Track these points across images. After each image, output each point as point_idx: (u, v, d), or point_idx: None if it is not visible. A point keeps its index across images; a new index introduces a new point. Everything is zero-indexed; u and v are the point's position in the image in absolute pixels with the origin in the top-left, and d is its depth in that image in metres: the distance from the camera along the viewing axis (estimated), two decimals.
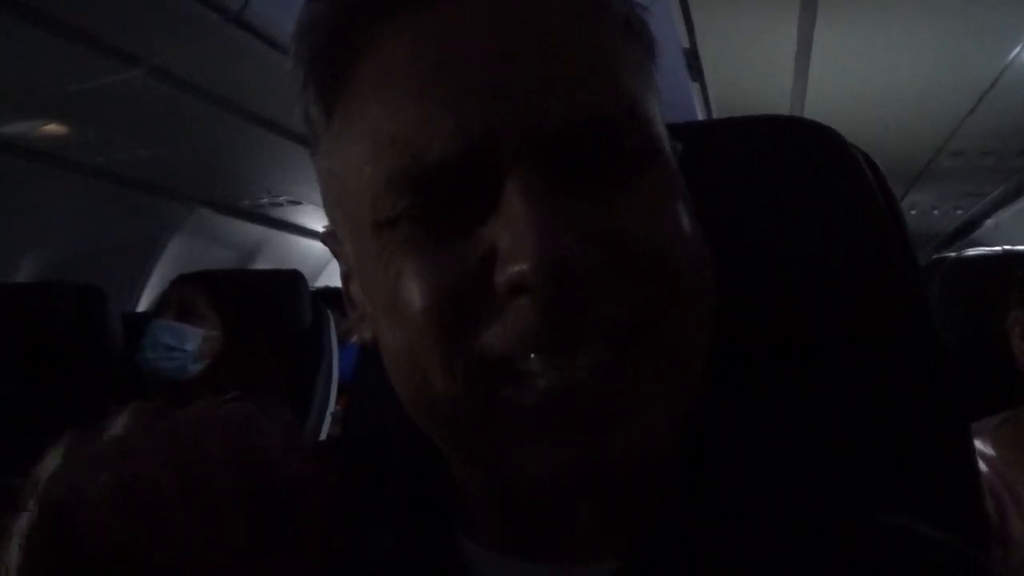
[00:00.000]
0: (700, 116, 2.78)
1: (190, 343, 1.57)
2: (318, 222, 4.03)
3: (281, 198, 3.51)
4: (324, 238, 0.43)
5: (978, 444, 1.10)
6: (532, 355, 0.31)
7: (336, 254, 0.42)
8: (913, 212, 4.04)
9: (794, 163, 0.49)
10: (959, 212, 4.11)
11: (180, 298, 1.64)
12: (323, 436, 1.77)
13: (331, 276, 4.36)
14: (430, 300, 0.32)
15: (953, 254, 1.48)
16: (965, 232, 4.38)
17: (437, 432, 0.37)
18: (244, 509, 0.28)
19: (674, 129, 0.39)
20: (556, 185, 0.32)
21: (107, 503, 0.27)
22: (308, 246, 4.24)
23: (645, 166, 0.34)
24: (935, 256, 1.51)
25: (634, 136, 0.34)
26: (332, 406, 1.82)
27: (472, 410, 0.33)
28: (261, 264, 4.02)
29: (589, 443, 0.32)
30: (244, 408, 0.31)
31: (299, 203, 3.60)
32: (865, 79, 2.39)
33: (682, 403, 0.34)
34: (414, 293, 0.33)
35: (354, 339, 2.40)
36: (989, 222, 4.01)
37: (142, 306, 3.26)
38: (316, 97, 0.36)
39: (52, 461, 0.30)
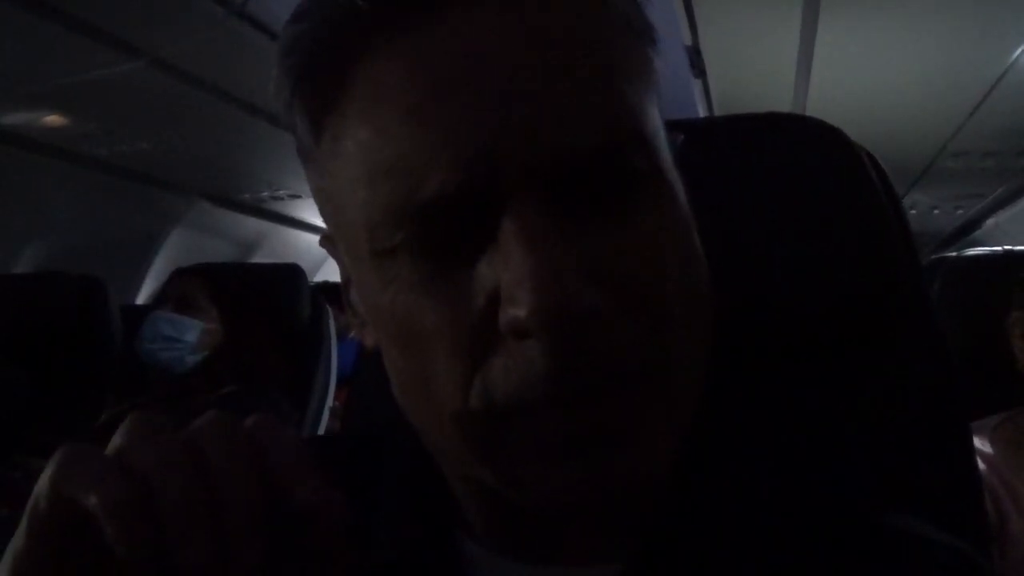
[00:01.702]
0: (702, 113, 2.77)
1: (189, 334, 1.57)
2: (318, 217, 3.99)
3: (281, 192, 3.51)
4: (321, 241, 0.42)
5: (977, 443, 1.10)
6: (537, 403, 0.31)
7: (334, 256, 0.41)
8: (914, 212, 4.04)
9: (798, 161, 0.49)
10: (959, 212, 4.11)
11: (179, 291, 1.64)
12: (321, 431, 1.78)
13: (331, 271, 4.35)
14: (440, 343, 0.32)
15: (953, 254, 1.48)
16: (965, 232, 4.38)
17: (441, 448, 0.37)
18: (259, 527, 0.27)
19: (676, 126, 0.38)
20: (556, 216, 0.31)
21: (119, 516, 0.26)
22: (308, 240, 4.23)
23: (648, 188, 0.33)
24: (935, 256, 1.51)
25: (639, 159, 0.33)
26: (331, 401, 1.82)
27: (481, 436, 0.33)
28: (261, 258, 4.02)
29: (591, 465, 0.31)
30: (256, 419, 0.30)
31: (299, 197, 3.59)
32: (867, 78, 2.39)
33: (682, 424, 0.34)
34: (423, 333, 0.32)
35: (353, 334, 2.41)
36: (989, 222, 4.01)
37: (141, 299, 3.26)
38: (303, 118, 0.35)
39: (52, 472, 0.27)
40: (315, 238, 4.20)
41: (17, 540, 0.27)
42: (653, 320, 0.32)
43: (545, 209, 0.30)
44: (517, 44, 0.31)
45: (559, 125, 0.31)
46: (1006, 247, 1.47)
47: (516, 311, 0.29)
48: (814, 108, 2.66)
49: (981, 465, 1.06)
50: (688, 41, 2.25)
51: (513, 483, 0.33)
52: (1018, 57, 2.10)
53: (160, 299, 1.66)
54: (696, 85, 2.57)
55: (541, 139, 0.30)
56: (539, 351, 0.30)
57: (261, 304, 1.71)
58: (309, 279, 1.93)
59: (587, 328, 0.30)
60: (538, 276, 0.29)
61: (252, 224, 3.87)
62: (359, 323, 0.40)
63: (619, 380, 0.31)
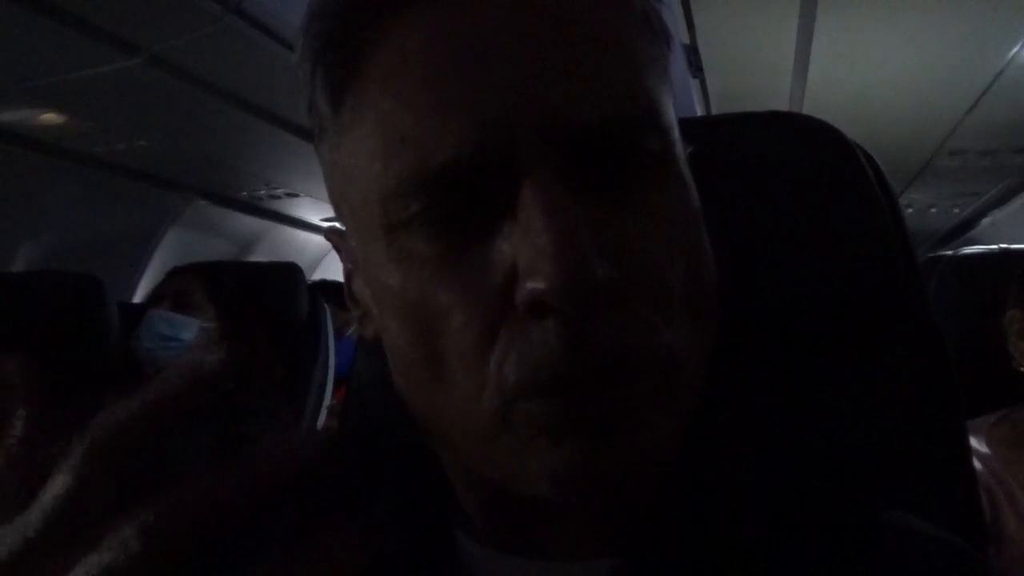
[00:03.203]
0: (699, 112, 2.78)
1: (186, 333, 1.57)
2: (316, 215, 4.03)
3: (279, 190, 3.50)
4: (326, 234, 0.42)
5: (973, 442, 1.10)
6: (549, 385, 0.30)
7: (338, 249, 0.41)
8: (910, 210, 4.05)
9: (795, 159, 0.49)
10: (956, 211, 4.12)
11: (176, 289, 1.63)
12: (319, 429, 1.77)
13: (328, 269, 4.35)
14: (454, 320, 0.31)
15: (950, 252, 1.48)
16: (962, 231, 4.38)
17: (445, 437, 0.36)
18: None
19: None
20: (573, 190, 0.31)
21: None
22: (305, 239, 4.23)
23: (662, 172, 0.34)
24: (932, 255, 1.51)
25: (653, 141, 0.33)
26: (328, 399, 1.82)
27: (486, 425, 0.32)
28: (258, 256, 4.01)
29: (594, 447, 0.31)
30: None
31: (297, 195, 3.59)
32: (864, 77, 2.39)
33: (684, 413, 0.34)
34: (436, 310, 0.32)
35: (351, 332, 2.40)
36: (986, 220, 4.01)
37: (138, 297, 3.26)
38: (324, 88, 0.35)
39: None
40: (313, 237, 4.18)
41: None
42: (660, 304, 0.32)
43: (563, 181, 0.30)
44: (538, 22, 0.31)
45: (576, 99, 0.31)
46: (1003, 246, 1.47)
47: (536, 284, 0.29)
48: (811, 106, 2.66)
49: (977, 464, 1.06)
50: (685, 40, 2.26)
51: (517, 466, 0.33)
52: (1015, 55, 2.11)
53: (157, 297, 1.66)
54: (693, 84, 2.58)
55: (558, 112, 0.31)
56: (555, 328, 0.30)
57: (259, 302, 1.71)
58: (307, 278, 1.93)
59: (603, 304, 0.30)
60: (559, 248, 0.29)
61: (249, 222, 3.87)
62: (360, 313, 0.40)
63: (627, 365, 0.31)
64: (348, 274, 0.41)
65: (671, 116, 0.35)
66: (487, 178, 0.31)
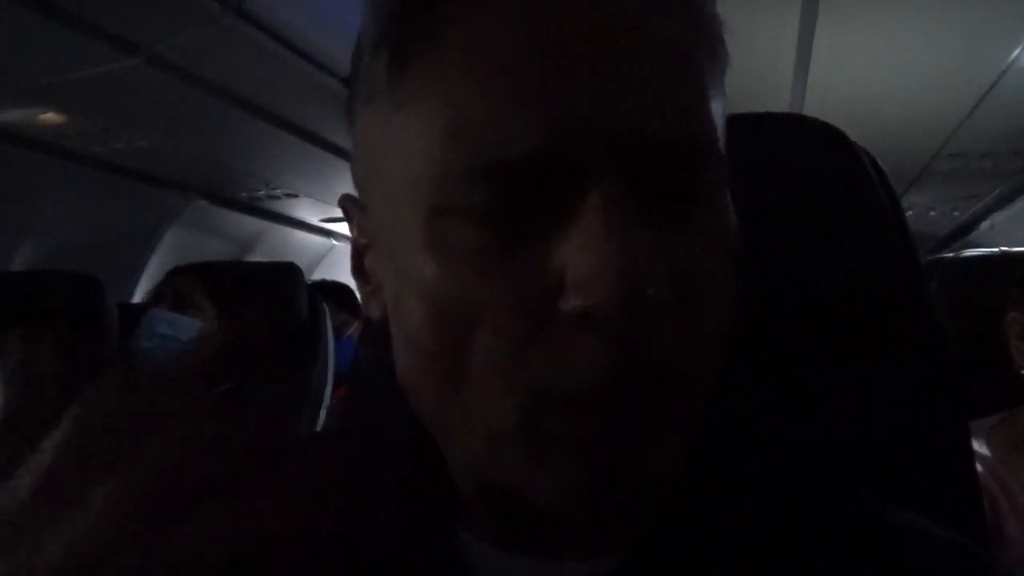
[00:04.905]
0: None
1: (186, 333, 1.57)
2: (315, 215, 4.03)
3: (279, 191, 3.51)
4: (340, 201, 0.41)
5: (973, 443, 1.10)
6: (586, 393, 0.30)
7: (350, 219, 0.40)
8: (910, 213, 4.05)
9: (798, 161, 0.49)
10: (956, 213, 4.12)
11: (176, 289, 1.63)
12: (319, 429, 1.77)
13: (328, 269, 4.35)
14: (488, 319, 0.31)
15: (950, 255, 1.48)
16: (962, 233, 4.39)
17: (455, 434, 0.35)
18: None
19: None
20: (637, 208, 0.30)
21: None
22: (305, 239, 4.23)
23: (716, 199, 0.34)
24: (932, 257, 1.51)
25: (713, 169, 0.33)
26: (328, 399, 1.81)
27: (506, 428, 0.32)
28: (258, 257, 4.02)
29: (603, 471, 0.31)
30: None
31: (296, 196, 3.59)
32: (865, 80, 2.39)
33: (696, 425, 0.34)
34: (468, 306, 0.31)
35: (351, 332, 2.38)
36: (986, 223, 4.01)
37: (138, 297, 3.26)
38: (388, 57, 0.33)
39: None
40: (312, 237, 4.17)
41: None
42: (702, 330, 0.32)
43: (629, 197, 0.30)
44: (618, 30, 0.31)
45: (651, 116, 0.30)
46: (1003, 248, 1.47)
47: (590, 296, 0.29)
48: (811, 109, 2.66)
49: (977, 466, 1.06)
50: None
51: (525, 475, 0.33)
52: (1016, 58, 2.11)
53: (156, 297, 1.65)
54: None
55: (633, 126, 0.30)
56: (603, 340, 0.29)
57: (258, 302, 1.71)
58: (306, 277, 1.92)
59: (652, 322, 0.30)
60: (619, 264, 0.28)
61: (249, 223, 3.87)
62: (369, 291, 0.39)
63: (664, 383, 0.31)
64: (358, 247, 0.40)
65: (724, 144, 0.35)
66: (553, 179, 0.30)
